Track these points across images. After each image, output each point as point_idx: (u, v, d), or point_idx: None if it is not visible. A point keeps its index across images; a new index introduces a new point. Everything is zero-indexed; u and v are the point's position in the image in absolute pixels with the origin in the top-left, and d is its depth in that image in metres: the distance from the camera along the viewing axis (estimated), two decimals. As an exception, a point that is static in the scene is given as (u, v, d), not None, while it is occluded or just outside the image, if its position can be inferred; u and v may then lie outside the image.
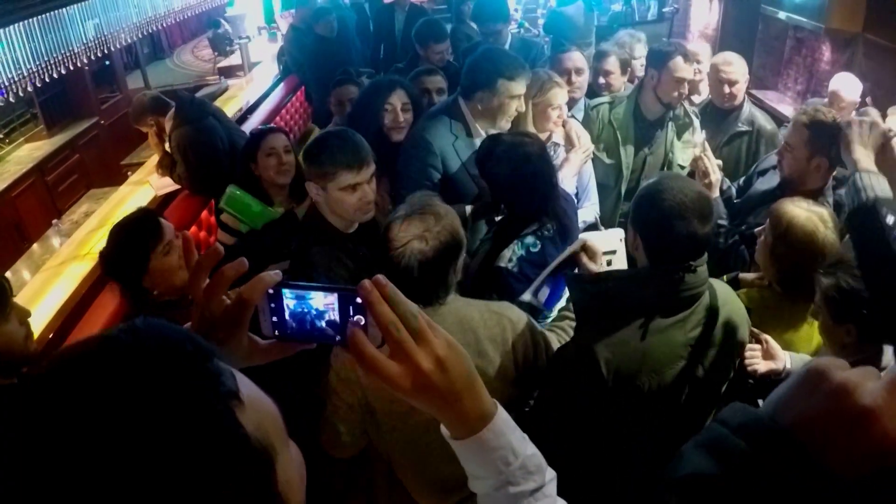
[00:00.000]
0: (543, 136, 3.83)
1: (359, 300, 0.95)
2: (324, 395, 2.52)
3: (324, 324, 1.00)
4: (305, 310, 1.00)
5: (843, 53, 7.53)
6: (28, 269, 5.10)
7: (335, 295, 0.98)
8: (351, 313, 0.97)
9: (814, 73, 8.09)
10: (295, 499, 0.74)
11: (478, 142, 3.61)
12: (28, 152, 7.85)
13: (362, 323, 0.97)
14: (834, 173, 3.39)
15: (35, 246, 5.58)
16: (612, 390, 2.28)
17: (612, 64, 4.93)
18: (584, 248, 2.85)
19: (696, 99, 5.16)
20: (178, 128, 4.75)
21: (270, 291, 0.99)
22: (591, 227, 3.85)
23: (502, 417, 1.10)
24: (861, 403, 0.69)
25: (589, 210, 3.95)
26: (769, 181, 3.69)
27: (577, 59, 4.57)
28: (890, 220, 2.06)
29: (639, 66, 5.20)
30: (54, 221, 5.76)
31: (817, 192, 3.35)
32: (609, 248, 3.49)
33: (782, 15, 8.65)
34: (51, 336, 4.02)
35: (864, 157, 2.24)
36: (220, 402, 0.65)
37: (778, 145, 3.92)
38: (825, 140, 3.23)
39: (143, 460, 0.58)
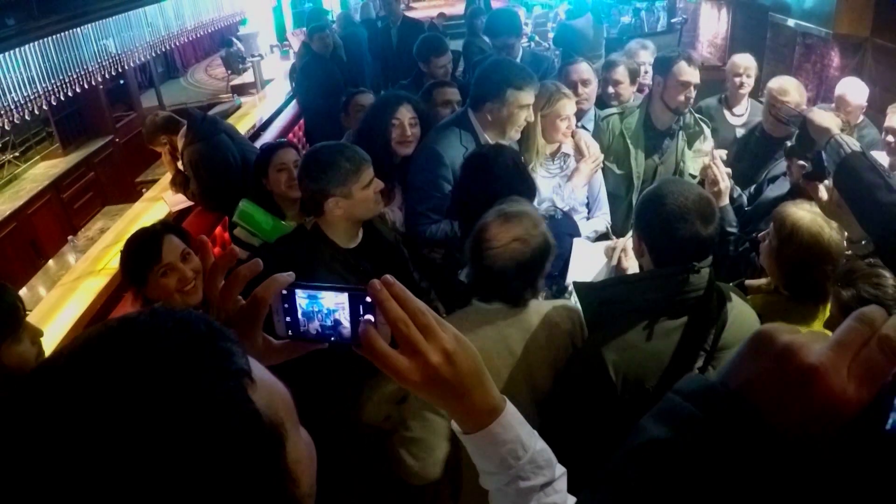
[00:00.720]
0: (553, 147, 3.87)
1: (368, 299, 0.98)
2: (361, 418, 2.56)
3: (335, 323, 1.02)
4: (317, 309, 1.02)
5: (851, 58, 7.53)
6: (44, 285, 5.16)
7: (346, 294, 1.01)
8: (361, 312, 0.99)
9: (823, 79, 8.10)
10: (305, 480, 0.75)
11: None
12: (44, 170, 7.95)
13: (373, 321, 0.99)
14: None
15: (51, 262, 5.65)
16: (621, 394, 2.28)
17: (620, 73, 4.92)
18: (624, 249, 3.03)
19: (738, 114, 5.20)
20: (189, 145, 4.78)
21: (284, 292, 1.03)
22: (603, 236, 3.85)
23: (511, 412, 1.12)
24: (807, 362, 0.68)
25: (600, 220, 3.96)
26: (780, 188, 3.67)
27: (584, 70, 4.57)
28: (877, 164, 2.04)
29: (642, 71, 5.25)
30: (70, 238, 5.84)
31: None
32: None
33: (791, 22, 8.66)
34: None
35: (834, 125, 2.20)
36: (232, 378, 0.67)
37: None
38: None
39: (156, 432, 0.61)
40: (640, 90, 5.09)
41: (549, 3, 18.75)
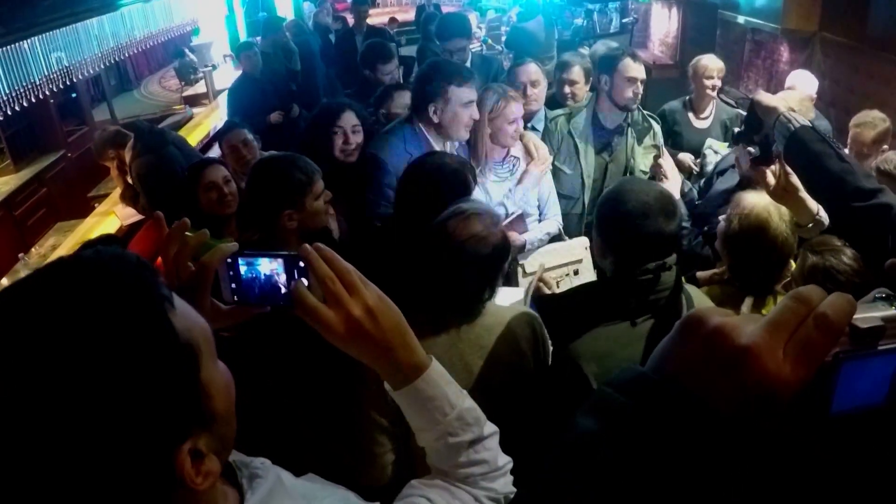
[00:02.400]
0: (502, 152, 3.83)
1: (302, 264, 1.10)
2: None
3: (274, 288, 1.14)
4: (256, 275, 1.15)
5: (801, 53, 7.66)
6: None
7: (280, 260, 1.13)
8: (296, 276, 1.11)
9: (773, 75, 8.23)
10: (220, 399, 0.88)
11: None
12: (-5, 187, 7.83)
13: (306, 284, 1.10)
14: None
15: (4, 281, 5.53)
16: None
17: (576, 74, 4.88)
18: (541, 279, 2.97)
19: (703, 117, 5.22)
20: (137, 158, 4.70)
21: (228, 261, 1.15)
22: (556, 238, 3.84)
23: (437, 370, 1.23)
24: (739, 343, 0.65)
25: (552, 222, 3.93)
26: (728, 180, 3.73)
27: (532, 71, 4.56)
28: (823, 134, 1.99)
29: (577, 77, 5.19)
30: (21, 255, 5.73)
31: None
32: (574, 259, 3.51)
33: (741, 19, 8.78)
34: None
35: (780, 104, 2.14)
36: (156, 300, 0.81)
37: None
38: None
39: (86, 339, 0.73)
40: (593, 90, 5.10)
41: (502, 6, 18.84)
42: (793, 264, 2.63)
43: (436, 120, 3.58)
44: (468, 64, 5.43)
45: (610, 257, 2.33)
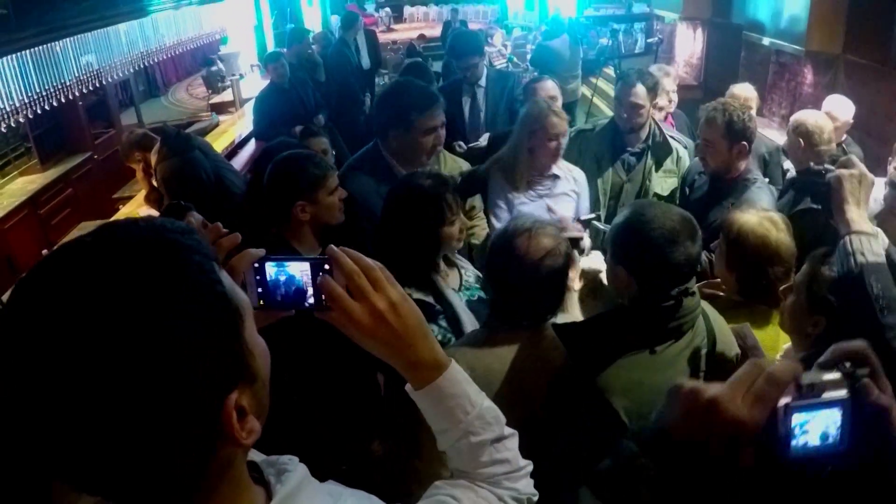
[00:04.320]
0: (541, 168, 3.77)
1: (327, 267, 1.13)
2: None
3: (300, 291, 1.16)
4: (284, 279, 1.16)
5: (824, 75, 7.65)
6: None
7: (308, 263, 1.15)
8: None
9: (797, 97, 8.22)
10: (259, 358, 0.93)
11: None
12: (22, 185, 7.89)
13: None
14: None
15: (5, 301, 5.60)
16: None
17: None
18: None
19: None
20: (162, 161, 4.75)
21: (255, 265, 1.16)
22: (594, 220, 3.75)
23: (457, 369, 1.25)
24: (707, 396, 0.89)
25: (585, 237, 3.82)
26: (701, 188, 3.81)
27: (549, 87, 4.55)
28: (877, 288, 1.95)
29: (665, 101, 5.03)
30: (44, 252, 5.80)
31: (745, 174, 3.58)
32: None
33: (765, 41, 8.80)
34: None
35: (857, 216, 2.10)
36: (208, 257, 0.87)
37: None
38: (740, 126, 3.46)
39: (147, 288, 0.78)
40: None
41: (528, 25, 18.95)
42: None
43: (395, 147, 3.46)
44: (483, 79, 5.48)
45: (634, 285, 2.24)
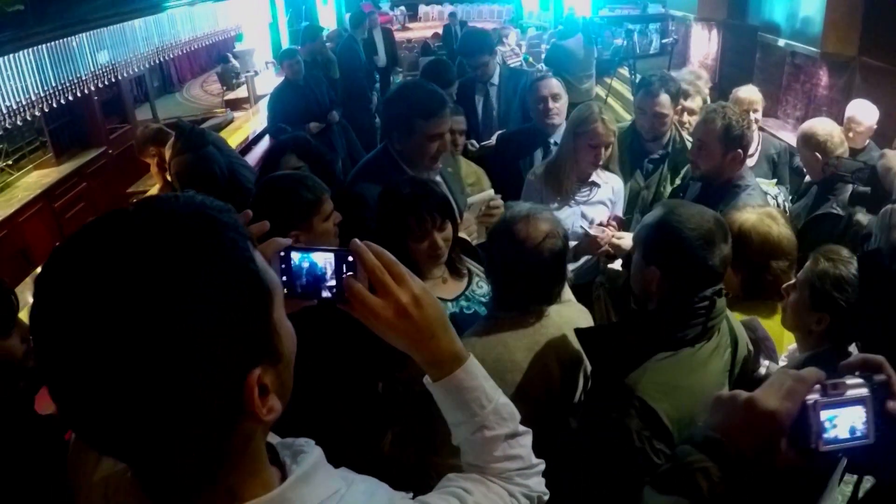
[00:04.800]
0: (583, 174, 3.73)
1: (351, 259, 1.15)
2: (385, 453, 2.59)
3: (324, 281, 1.18)
4: (308, 267, 1.18)
5: (839, 77, 7.61)
6: (32, 290, 5.16)
7: (332, 254, 1.17)
8: (344, 270, 1.16)
9: (812, 99, 8.17)
10: (286, 339, 0.96)
11: None
12: (36, 179, 7.94)
13: (354, 276, 1.17)
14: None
15: (40, 269, 5.64)
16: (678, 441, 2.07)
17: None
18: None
19: (749, 154, 4.38)
20: (177, 156, 4.79)
21: (282, 254, 1.18)
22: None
23: (475, 363, 1.29)
24: (744, 397, 1.08)
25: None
26: (692, 194, 3.71)
27: (553, 85, 4.42)
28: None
29: (699, 104, 4.78)
30: (58, 245, 5.85)
31: (737, 179, 3.49)
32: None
33: (780, 42, 8.76)
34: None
35: None
36: (245, 238, 0.90)
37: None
38: (737, 133, 3.37)
39: (185, 263, 0.81)
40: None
41: (543, 24, 18.92)
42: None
43: (398, 147, 3.40)
44: (496, 77, 5.46)
45: (667, 285, 2.20)
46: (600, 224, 3.51)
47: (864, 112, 4.81)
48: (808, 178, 4.44)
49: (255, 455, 0.97)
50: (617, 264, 3.29)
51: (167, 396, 0.80)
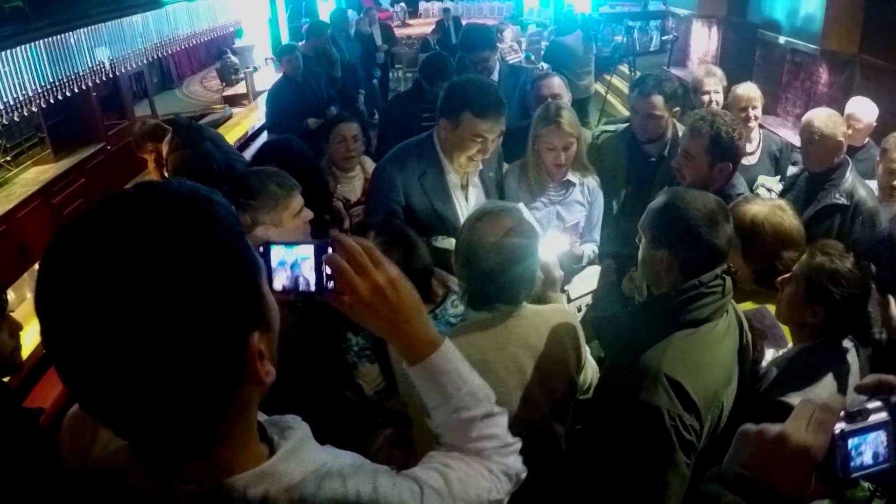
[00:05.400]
0: (555, 174, 3.72)
1: (331, 250, 1.19)
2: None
3: (302, 275, 1.21)
4: (290, 262, 1.21)
5: (840, 75, 7.60)
6: (29, 286, 5.15)
7: (311, 246, 1.21)
8: (323, 263, 1.20)
9: (812, 96, 8.16)
10: (273, 316, 1.05)
11: (450, 178, 3.45)
12: (35, 175, 7.91)
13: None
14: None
15: (37, 266, 5.63)
16: (704, 416, 2.16)
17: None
18: None
19: (749, 152, 4.53)
20: (174, 152, 4.78)
21: (261, 249, 1.18)
22: (591, 263, 3.72)
23: (450, 347, 1.34)
24: (774, 433, 1.06)
25: (589, 246, 3.80)
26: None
27: (555, 84, 4.43)
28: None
29: (707, 100, 4.78)
30: (66, 224, 5.84)
31: (727, 189, 3.34)
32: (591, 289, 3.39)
33: (781, 39, 8.75)
34: (45, 351, 4.09)
35: None
36: (233, 215, 0.98)
37: (878, 226, 3.76)
38: (727, 144, 3.22)
39: (186, 241, 0.89)
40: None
41: (543, 21, 18.91)
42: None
43: (443, 136, 3.38)
44: (496, 74, 5.43)
45: (676, 269, 2.27)
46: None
47: (863, 109, 4.79)
48: (793, 170, 4.39)
49: (248, 428, 1.06)
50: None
51: (176, 362, 0.88)
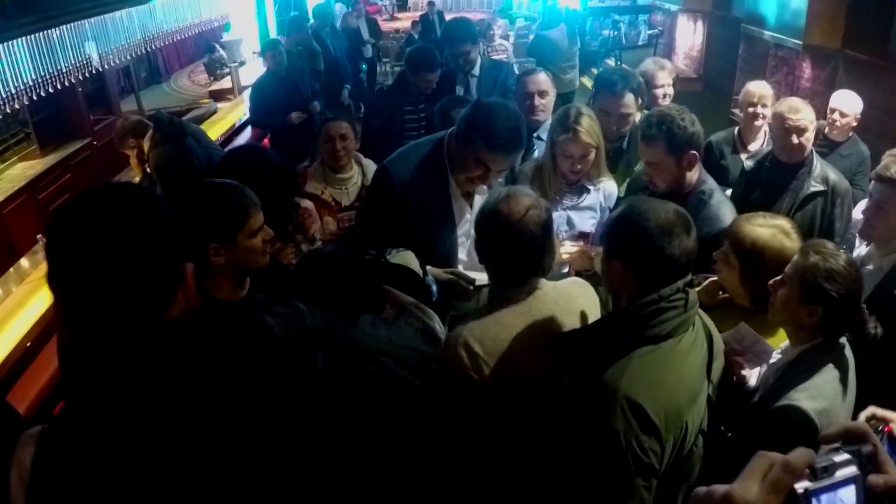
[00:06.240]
0: (567, 181, 3.66)
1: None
2: None
3: None
4: None
5: (823, 70, 7.65)
6: (15, 282, 5.17)
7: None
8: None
9: (795, 91, 8.20)
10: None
11: (453, 187, 3.26)
12: (21, 171, 7.91)
13: None
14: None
15: (23, 260, 5.64)
16: (665, 437, 2.09)
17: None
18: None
19: (752, 151, 4.50)
20: (155, 147, 4.79)
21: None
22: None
23: None
24: (720, 493, 0.91)
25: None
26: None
27: (541, 81, 4.37)
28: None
29: (661, 94, 4.71)
30: (39, 236, 5.81)
31: (698, 186, 3.30)
32: None
33: (765, 34, 8.79)
34: (28, 344, 4.14)
35: None
36: (165, 203, 1.62)
37: (854, 203, 3.83)
38: (682, 135, 3.16)
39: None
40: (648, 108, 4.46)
41: (531, 15, 18.91)
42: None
43: (452, 145, 3.21)
44: (477, 68, 5.46)
45: (630, 281, 2.21)
46: (579, 235, 3.54)
47: (847, 102, 4.78)
48: (748, 161, 4.25)
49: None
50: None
51: (141, 270, 1.46)
